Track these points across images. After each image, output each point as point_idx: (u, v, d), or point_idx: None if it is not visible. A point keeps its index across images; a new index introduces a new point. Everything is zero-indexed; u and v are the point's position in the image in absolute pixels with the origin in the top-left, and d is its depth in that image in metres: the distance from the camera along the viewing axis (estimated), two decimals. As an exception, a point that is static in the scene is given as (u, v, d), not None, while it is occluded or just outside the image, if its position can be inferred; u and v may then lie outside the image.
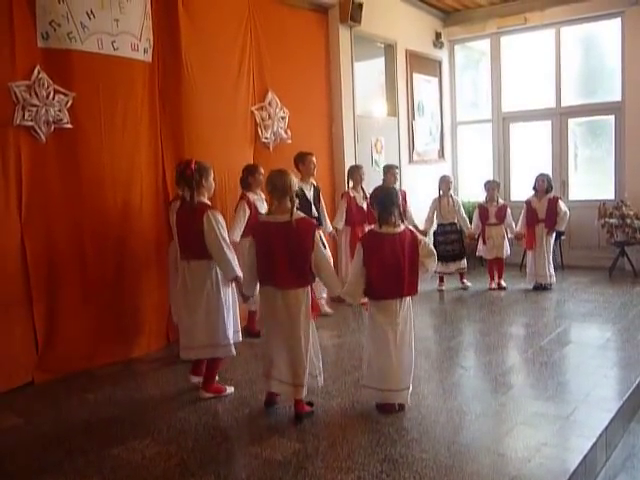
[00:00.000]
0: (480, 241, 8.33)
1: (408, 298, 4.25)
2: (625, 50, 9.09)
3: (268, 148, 7.21)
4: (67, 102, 5.20)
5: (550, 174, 9.62)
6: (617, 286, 8.14)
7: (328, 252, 4.36)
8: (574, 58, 9.82)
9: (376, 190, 4.39)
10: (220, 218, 4.52)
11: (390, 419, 4.07)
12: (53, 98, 5.11)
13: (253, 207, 5.99)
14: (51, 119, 5.10)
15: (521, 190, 8.95)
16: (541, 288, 7.99)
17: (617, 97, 9.33)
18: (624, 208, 8.74)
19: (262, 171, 6.06)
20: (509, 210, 8.20)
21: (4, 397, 4.75)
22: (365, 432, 3.89)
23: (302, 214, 4.20)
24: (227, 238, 4.53)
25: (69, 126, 5.23)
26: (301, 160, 6.86)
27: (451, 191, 8.27)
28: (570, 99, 9.82)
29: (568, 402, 4.29)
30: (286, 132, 7.39)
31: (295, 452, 3.64)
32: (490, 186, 8.28)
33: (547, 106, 9.95)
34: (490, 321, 6.69)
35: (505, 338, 5.99)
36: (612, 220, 8.69)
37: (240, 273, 4.45)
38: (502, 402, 4.35)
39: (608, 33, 9.45)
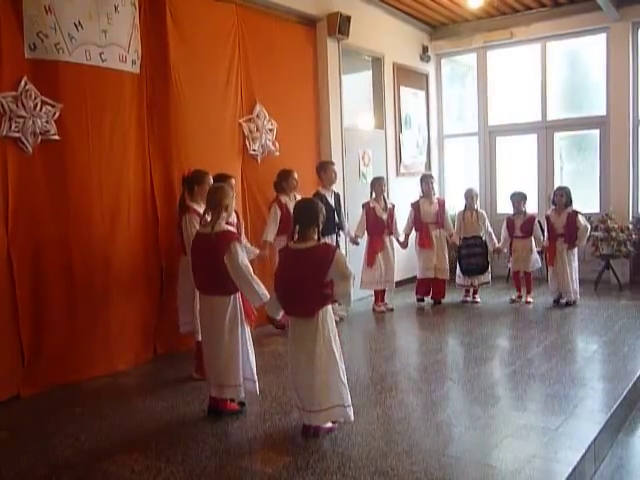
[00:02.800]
0: (509, 254, 8.18)
1: (322, 316, 3.94)
2: (610, 65, 9.20)
3: (256, 160, 7.21)
4: (54, 113, 5.18)
5: (537, 187, 9.77)
6: (603, 299, 8.19)
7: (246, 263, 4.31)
8: (560, 73, 9.92)
9: (297, 203, 4.28)
10: (195, 221, 4.93)
11: (380, 432, 4.07)
12: (40, 109, 5.08)
13: (285, 208, 6.43)
14: (38, 130, 5.07)
15: (507, 203, 8.96)
16: (559, 304, 7.83)
17: (602, 112, 9.42)
18: (609, 221, 8.82)
19: (296, 176, 6.65)
20: (537, 222, 7.99)
21: (-11, 411, 4.69)
22: (355, 445, 3.87)
23: (227, 227, 4.38)
24: None
25: (56, 137, 5.20)
26: (323, 169, 7.23)
27: (476, 205, 8.19)
28: (556, 113, 9.90)
29: (556, 414, 4.30)
30: (274, 144, 7.40)
31: (285, 465, 3.62)
32: (515, 199, 8.11)
33: (533, 120, 10.04)
34: (477, 333, 6.69)
35: (493, 351, 6.00)
36: (597, 233, 8.76)
37: None
38: (491, 414, 4.35)
39: (593, 48, 9.56)
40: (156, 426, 4.33)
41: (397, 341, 6.81)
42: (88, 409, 4.71)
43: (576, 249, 7.79)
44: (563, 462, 3.58)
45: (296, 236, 4.02)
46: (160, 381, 5.30)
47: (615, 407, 4.42)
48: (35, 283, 5.14)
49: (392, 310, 7.86)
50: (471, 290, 8.26)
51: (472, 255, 8.04)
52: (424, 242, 7.94)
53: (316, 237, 3.97)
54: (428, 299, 8.22)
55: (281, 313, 4.20)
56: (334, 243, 6.98)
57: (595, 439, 3.91)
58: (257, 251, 5.89)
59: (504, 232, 8.17)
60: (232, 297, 4.34)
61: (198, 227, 4.83)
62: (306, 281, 3.88)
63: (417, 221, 8.00)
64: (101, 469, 3.67)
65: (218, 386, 4.37)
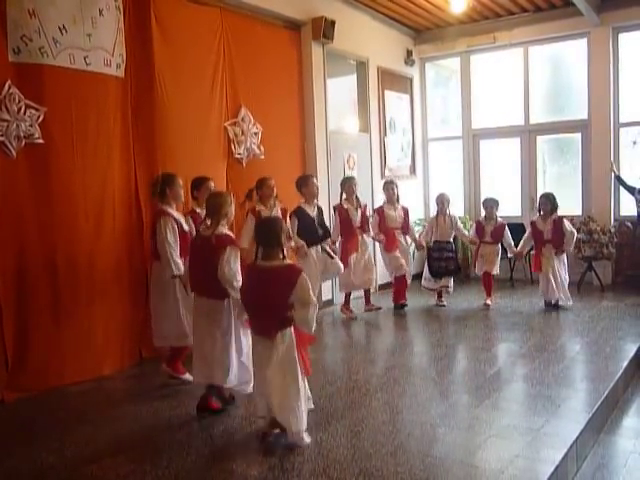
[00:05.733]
0: (475, 258, 8.24)
1: (280, 338, 3.85)
2: (591, 70, 9.33)
3: (241, 164, 7.22)
4: (38, 117, 5.16)
5: (520, 190, 9.86)
6: (585, 300, 8.27)
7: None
8: (542, 77, 10.04)
9: (257, 223, 4.35)
10: (169, 224, 5.07)
11: (365, 433, 4.09)
12: (24, 113, 5.06)
13: (258, 216, 6.27)
14: (22, 134, 5.05)
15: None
16: (552, 306, 7.84)
17: (584, 115, 9.54)
18: (591, 224, 8.93)
19: (271, 184, 6.52)
20: (507, 230, 8.04)
21: (-28, 416, 4.66)
22: (340, 446, 3.89)
23: (227, 232, 4.42)
24: (172, 242, 5.04)
25: (40, 141, 5.18)
26: (303, 183, 7.07)
27: (448, 209, 8.18)
28: (538, 117, 10.02)
29: (539, 414, 4.35)
30: (259, 148, 7.41)
31: (270, 467, 3.63)
32: (488, 204, 8.16)
33: (516, 123, 10.15)
34: (461, 335, 6.76)
35: (476, 352, 6.05)
36: (580, 235, 8.85)
37: (177, 272, 4.99)
38: (475, 415, 4.39)
39: (575, 53, 9.70)
40: (141, 430, 4.32)
41: (380, 344, 6.83)
42: (73, 414, 4.69)
43: (564, 255, 7.81)
44: (546, 461, 3.63)
45: (260, 255, 3.97)
46: (145, 385, 5.29)
47: (597, 407, 4.48)
48: (19, 287, 5.12)
49: (355, 318, 7.63)
50: (442, 292, 8.26)
51: (442, 259, 8.06)
52: (391, 246, 7.89)
53: (281, 256, 3.94)
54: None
55: (245, 317, 4.17)
56: (318, 254, 6.98)
57: (577, 439, 3.97)
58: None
59: (473, 233, 8.24)
60: (227, 300, 4.37)
61: (172, 230, 5.04)
62: (267, 301, 3.86)
63: (382, 227, 7.90)
64: (86, 473, 3.66)
65: (210, 386, 4.42)
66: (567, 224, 7.73)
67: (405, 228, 8.06)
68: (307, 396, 4.02)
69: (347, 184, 7.65)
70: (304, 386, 3.97)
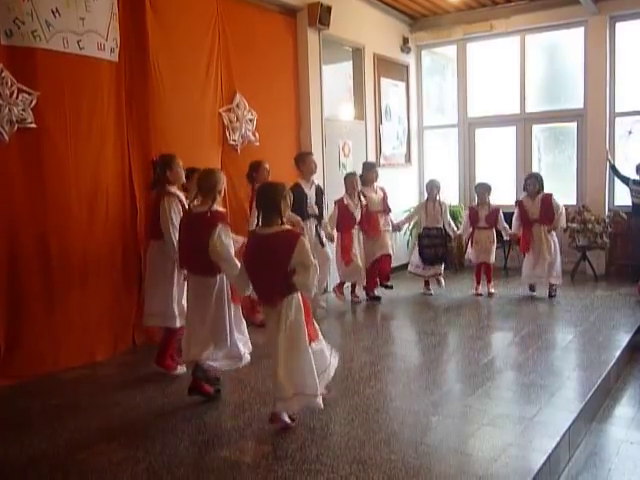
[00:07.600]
0: (469, 244, 8.16)
1: (286, 305, 3.83)
2: (588, 59, 9.31)
3: (236, 150, 7.19)
4: (31, 101, 5.11)
5: (515, 179, 9.86)
6: (579, 289, 8.30)
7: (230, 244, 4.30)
8: (538, 65, 10.02)
9: (258, 188, 4.21)
10: (174, 204, 4.97)
11: (358, 421, 4.09)
12: (17, 97, 5.02)
13: None
14: (14, 118, 5.00)
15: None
16: (534, 292, 7.92)
17: (579, 104, 9.53)
18: (585, 213, 8.94)
19: (267, 166, 6.54)
20: (501, 213, 7.97)
21: (-36, 402, 4.63)
22: (333, 434, 3.90)
23: (221, 209, 4.40)
24: (175, 223, 4.87)
25: (33, 126, 5.14)
26: (302, 160, 7.09)
27: (439, 196, 8.12)
28: (534, 106, 10.00)
29: (532, 403, 4.36)
30: (254, 134, 7.38)
31: (264, 455, 3.63)
32: (480, 190, 8.11)
33: (512, 112, 10.13)
34: (454, 324, 6.77)
35: (470, 341, 6.06)
36: (574, 225, 8.87)
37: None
38: (468, 404, 4.40)
39: (571, 41, 9.66)
40: (134, 417, 4.31)
41: (373, 332, 6.82)
42: (65, 400, 4.68)
43: (554, 233, 7.76)
44: (538, 450, 3.64)
45: (260, 222, 3.95)
46: (138, 372, 5.27)
47: (589, 396, 4.50)
48: (11, 272, 5.09)
49: (360, 302, 7.82)
50: (429, 281, 8.24)
51: (432, 246, 8.00)
52: (373, 231, 7.79)
53: (280, 222, 3.89)
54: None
55: (249, 292, 4.13)
56: (311, 232, 6.92)
57: (570, 427, 3.98)
58: (242, 239, 5.83)
59: (465, 221, 8.19)
60: (219, 277, 4.35)
61: (177, 211, 4.94)
62: (269, 268, 3.82)
63: (366, 210, 7.77)
64: (79, 460, 3.65)
65: (193, 370, 4.41)
66: (556, 200, 7.69)
67: (386, 209, 8.00)
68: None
69: (348, 180, 7.65)
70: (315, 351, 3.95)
